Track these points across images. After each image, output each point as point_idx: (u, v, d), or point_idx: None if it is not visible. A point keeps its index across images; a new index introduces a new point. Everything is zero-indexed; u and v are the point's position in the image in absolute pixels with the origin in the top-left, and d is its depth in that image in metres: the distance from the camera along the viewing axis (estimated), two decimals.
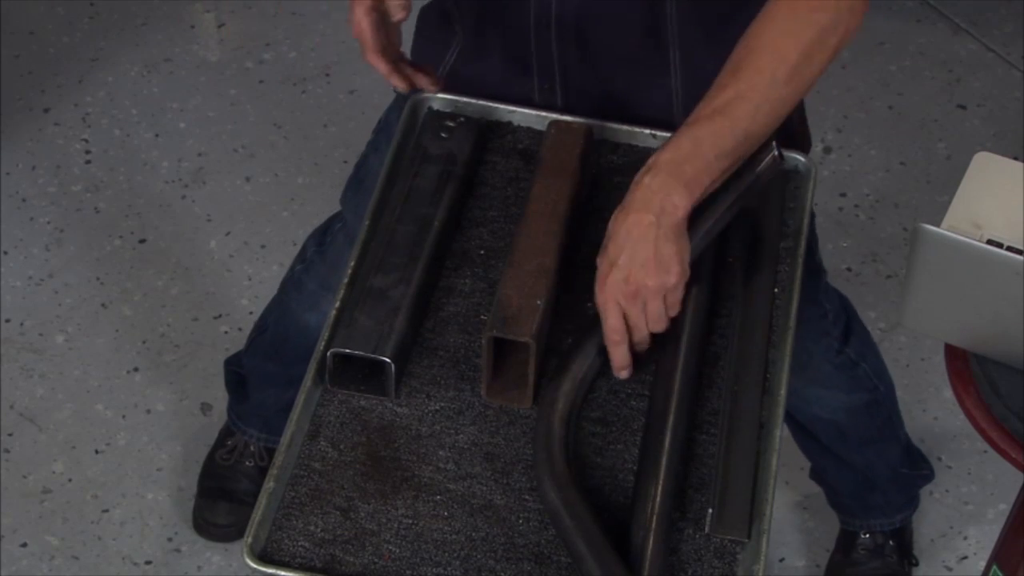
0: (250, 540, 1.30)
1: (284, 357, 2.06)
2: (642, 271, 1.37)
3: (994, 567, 1.77)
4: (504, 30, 1.62)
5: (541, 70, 1.62)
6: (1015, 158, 1.60)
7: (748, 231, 1.54)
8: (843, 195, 2.77)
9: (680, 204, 1.38)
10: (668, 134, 1.62)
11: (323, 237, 1.95)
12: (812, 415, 2.01)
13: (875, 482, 2.13)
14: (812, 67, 1.44)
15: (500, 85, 1.65)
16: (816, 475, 2.20)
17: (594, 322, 1.41)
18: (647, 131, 1.63)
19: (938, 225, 1.41)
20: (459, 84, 1.66)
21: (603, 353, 1.42)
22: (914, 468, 2.17)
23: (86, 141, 2.82)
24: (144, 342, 2.51)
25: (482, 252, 1.54)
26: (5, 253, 2.63)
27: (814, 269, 1.79)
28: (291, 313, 2.01)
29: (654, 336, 1.42)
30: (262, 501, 1.32)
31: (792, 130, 1.67)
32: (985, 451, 2.37)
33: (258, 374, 2.16)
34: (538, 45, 1.60)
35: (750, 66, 1.42)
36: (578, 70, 1.61)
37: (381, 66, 1.56)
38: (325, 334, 1.42)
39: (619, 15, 1.55)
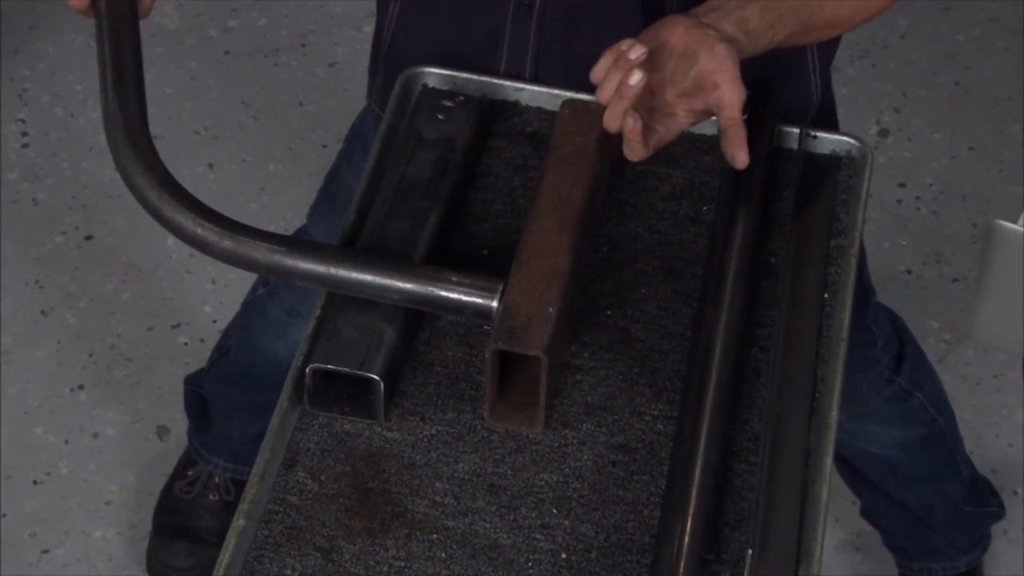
0: None
1: (251, 384, 2.06)
2: None
3: None
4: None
5: (512, 50, 1.62)
6: None
7: (794, 227, 1.55)
8: (902, 185, 2.78)
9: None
10: None
11: None
12: (860, 450, 2.02)
13: (932, 523, 2.14)
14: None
15: (453, 47, 1.65)
16: (867, 514, 2.21)
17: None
18: None
19: (1014, 221, 1.41)
20: (404, 40, 1.68)
21: None
22: (980, 504, 2.17)
23: (23, 122, 2.83)
24: (91, 355, 2.52)
25: (485, 252, 1.54)
26: None
27: (862, 291, 1.79)
28: (255, 340, 2.01)
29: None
30: (231, 541, 1.33)
31: (821, 103, 1.69)
32: None
33: (222, 400, 2.16)
34: (515, 24, 1.61)
35: None
36: (555, 53, 1.61)
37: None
38: (304, 347, 1.42)
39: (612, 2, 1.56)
